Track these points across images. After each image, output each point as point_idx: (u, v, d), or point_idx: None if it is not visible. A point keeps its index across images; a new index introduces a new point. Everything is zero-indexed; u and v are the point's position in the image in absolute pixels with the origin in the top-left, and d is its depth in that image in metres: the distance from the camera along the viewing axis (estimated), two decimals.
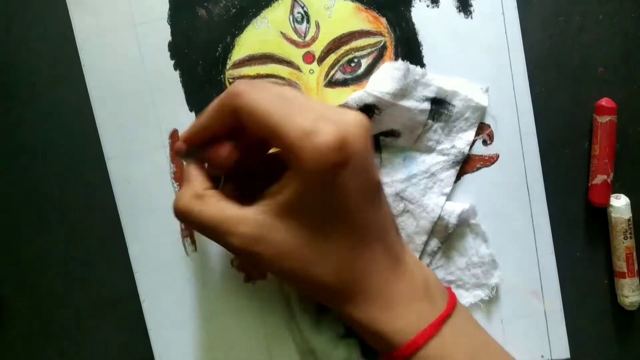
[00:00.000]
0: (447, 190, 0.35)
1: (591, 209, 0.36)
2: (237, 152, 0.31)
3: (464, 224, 0.35)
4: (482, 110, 0.35)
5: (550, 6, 0.36)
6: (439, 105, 0.35)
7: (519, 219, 0.36)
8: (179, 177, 0.36)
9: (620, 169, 0.36)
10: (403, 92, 0.34)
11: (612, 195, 0.36)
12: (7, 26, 0.36)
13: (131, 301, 0.37)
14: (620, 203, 0.35)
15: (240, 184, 0.33)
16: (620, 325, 0.37)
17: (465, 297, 0.36)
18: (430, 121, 0.35)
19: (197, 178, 0.31)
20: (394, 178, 0.35)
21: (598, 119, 0.35)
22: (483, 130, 0.36)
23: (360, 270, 0.29)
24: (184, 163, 0.32)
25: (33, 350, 0.38)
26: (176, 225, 0.36)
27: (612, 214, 0.36)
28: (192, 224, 0.30)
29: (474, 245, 0.36)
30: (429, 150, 0.35)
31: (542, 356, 0.36)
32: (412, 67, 0.34)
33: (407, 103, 0.34)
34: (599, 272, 0.37)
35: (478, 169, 0.36)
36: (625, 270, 0.35)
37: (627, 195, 0.36)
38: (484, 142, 0.36)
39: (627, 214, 0.35)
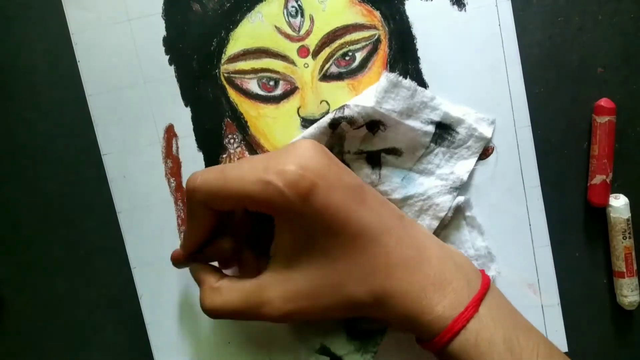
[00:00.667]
0: (442, 214, 0.35)
1: (590, 209, 0.36)
2: (232, 242, 0.32)
3: (460, 215, 0.36)
4: (485, 141, 0.35)
5: (549, 6, 0.36)
6: (443, 130, 0.35)
7: (515, 212, 0.36)
8: (175, 172, 0.36)
9: (619, 169, 0.36)
10: (409, 112, 0.34)
11: (611, 195, 0.36)
12: (7, 26, 0.36)
13: (130, 297, 0.37)
14: (619, 203, 0.35)
15: (257, 242, 0.34)
16: (619, 325, 0.37)
17: None
18: (432, 144, 0.35)
19: (206, 275, 0.32)
20: (391, 197, 0.35)
21: (597, 119, 0.35)
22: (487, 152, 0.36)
23: (384, 271, 0.29)
24: (189, 269, 0.33)
25: (33, 350, 0.38)
26: (173, 220, 0.36)
27: (611, 214, 0.36)
28: (226, 317, 0.31)
29: (470, 238, 0.36)
30: (428, 173, 0.35)
31: None
32: (420, 89, 0.35)
33: (413, 123, 0.34)
34: (598, 271, 0.37)
35: None
36: (624, 270, 0.35)
37: (626, 195, 0.36)
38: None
39: (626, 214, 0.35)
